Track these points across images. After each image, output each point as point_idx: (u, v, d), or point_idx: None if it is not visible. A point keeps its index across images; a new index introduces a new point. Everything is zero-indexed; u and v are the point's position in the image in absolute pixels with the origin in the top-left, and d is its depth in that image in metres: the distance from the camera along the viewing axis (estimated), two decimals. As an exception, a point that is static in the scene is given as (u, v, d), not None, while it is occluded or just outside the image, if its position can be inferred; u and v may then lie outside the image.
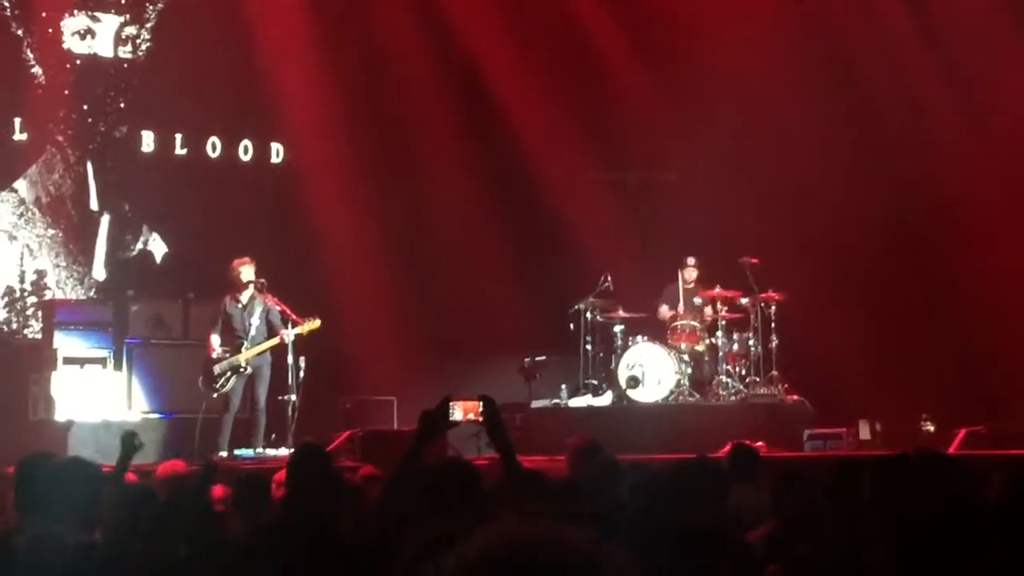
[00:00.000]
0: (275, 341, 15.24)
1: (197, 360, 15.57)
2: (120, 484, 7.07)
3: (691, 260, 17.45)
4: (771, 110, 18.44)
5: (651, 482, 6.70)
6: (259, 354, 15.28)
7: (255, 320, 15.28)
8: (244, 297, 15.32)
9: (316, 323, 15.24)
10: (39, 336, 17.47)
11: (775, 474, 8.21)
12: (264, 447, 15.34)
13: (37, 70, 18.40)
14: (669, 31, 19.11)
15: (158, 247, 19.08)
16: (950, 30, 18.18)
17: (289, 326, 15.22)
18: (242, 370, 15.20)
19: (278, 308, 15.31)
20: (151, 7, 19.08)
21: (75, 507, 6.52)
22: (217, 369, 15.19)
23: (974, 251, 17.83)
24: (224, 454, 15.00)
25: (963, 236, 17.97)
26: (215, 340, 15.26)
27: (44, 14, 18.42)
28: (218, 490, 8.48)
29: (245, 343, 15.24)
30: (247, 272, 15.31)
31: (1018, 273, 17.48)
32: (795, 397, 16.52)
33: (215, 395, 15.23)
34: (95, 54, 18.81)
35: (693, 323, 17.06)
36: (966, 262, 17.88)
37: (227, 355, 15.18)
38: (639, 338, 16.98)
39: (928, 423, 16.93)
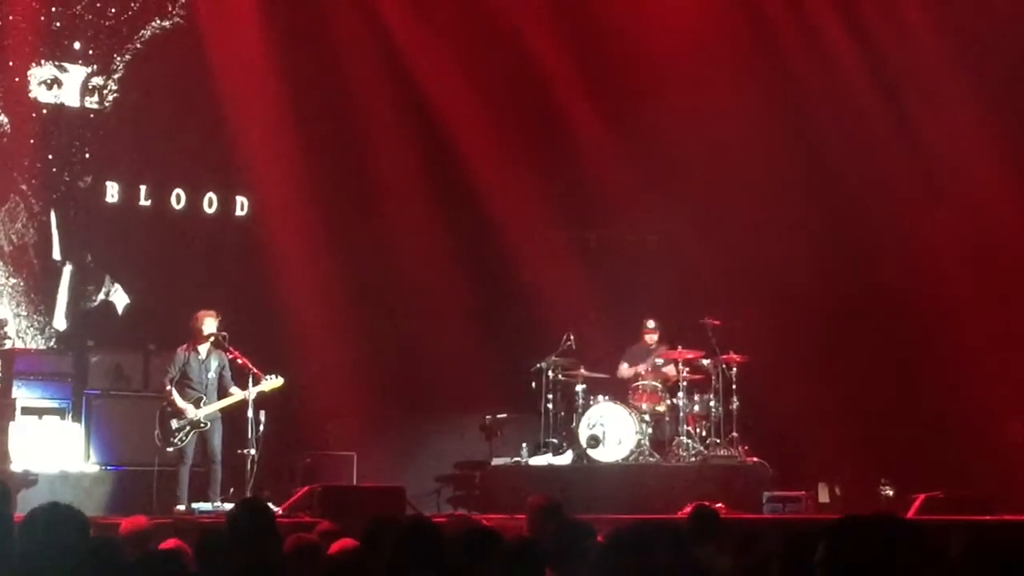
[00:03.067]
0: (238, 397, 15.16)
1: (154, 410, 15.45)
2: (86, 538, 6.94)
3: (651, 323, 17.52)
4: (736, 174, 18.59)
5: (611, 542, 6.67)
6: (216, 410, 15.22)
7: (212, 375, 15.27)
8: (203, 350, 15.29)
9: (279, 382, 15.18)
10: (-2, 386, 17.34)
11: (735, 537, 8.21)
12: (222, 501, 15.23)
13: (2, 119, 18.35)
14: (634, 93, 19.23)
15: (120, 298, 18.99)
16: (912, 98, 18.38)
17: (251, 381, 15.16)
18: (202, 425, 15.12)
19: (238, 361, 15.26)
20: (118, 58, 19.08)
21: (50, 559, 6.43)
22: (175, 424, 15.11)
23: (935, 318, 17.95)
24: (183, 507, 14.91)
25: (925, 303, 18.10)
26: (175, 394, 15.18)
27: (11, 63, 18.39)
28: (170, 542, 8.41)
29: (204, 397, 15.19)
30: (210, 325, 15.28)
31: (977, 340, 17.61)
32: (755, 459, 16.54)
33: (170, 449, 15.15)
34: (61, 104, 18.78)
35: (654, 383, 17.09)
36: (927, 329, 18.00)
37: (190, 410, 15.09)
38: (600, 397, 16.99)
39: (887, 487, 17.01)
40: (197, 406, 15.14)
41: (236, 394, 15.19)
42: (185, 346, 15.37)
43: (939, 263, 18.07)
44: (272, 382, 15.13)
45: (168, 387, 15.25)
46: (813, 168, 18.94)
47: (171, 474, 15.19)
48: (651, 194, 19.10)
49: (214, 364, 15.28)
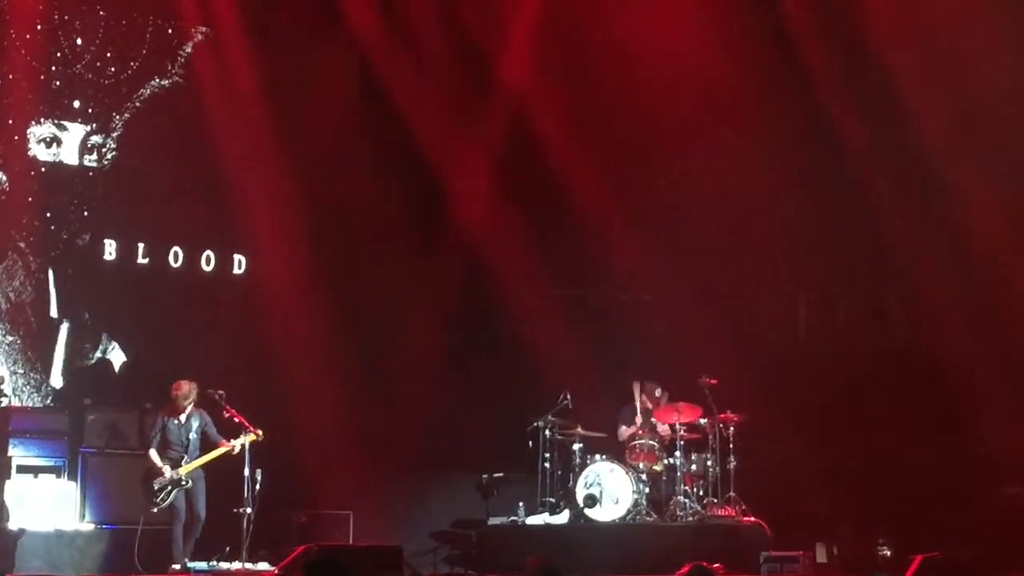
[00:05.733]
0: (220, 451, 15.29)
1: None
2: None
3: (648, 384, 17.52)
4: (732, 236, 18.62)
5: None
6: (199, 466, 15.32)
7: (193, 435, 15.45)
8: (183, 416, 15.48)
9: (257, 434, 15.25)
10: (-7, 443, 17.31)
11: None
12: (218, 560, 15.25)
13: (1, 176, 18.40)
14: (631, 152, 19.31)
15: (117, 356, 18.99)
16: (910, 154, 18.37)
17: (242, 435, 15.22)
18: (183, 484, 15.21)
19: (235, 420, 15.30)
20: (118, 117, 19.16)
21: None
22: (157, 484, 15.23)
23: (936, 378, 17.93)
24: (178, 566, 14.89)
25: (926, 363, 18.08)
26: (154, 455, 15.33)
27: (11, 121, 18.46)
28: None
29: (185, 457, 15.30)
30: (189, 397, 15.44)
31: (978, 400, 17.59)
32: (752, 519, 16.50)
33: (154, 509, 15.21)
34: (60, 162, 18.83)
35: (651, 442, 17.06)
36: (927, 389, 17.97)
37: (167, 470, 15.16)
38: (597, 456, 16.97)
39: (885, 547, 16.95)
40: (177, 465, 15.22)
41: (220, 448, 15.30)
42: (165, 411, 15.52)
43: (941, 322, 18.05)
44: (250, 435, 15.19)
45: (150, 450, 15.39)
46: (811, 226, 18.96)
47: (160, 533, 15.20)
48: (648, 253, 19.14)
49: (195, 425, 15.49)
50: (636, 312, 19.60)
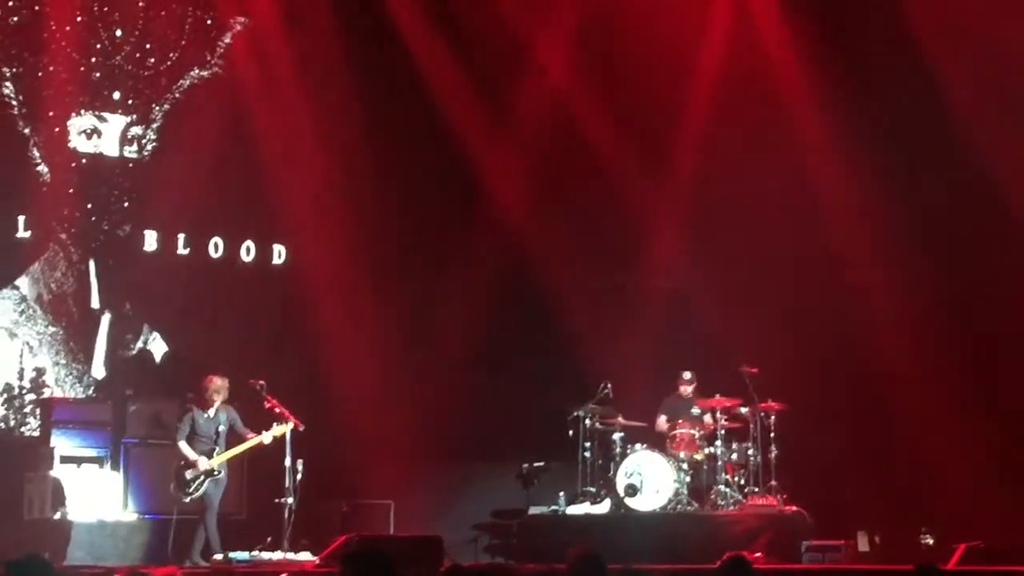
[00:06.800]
0: (251, 443, 15.38)
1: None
2: None
3: (687, 375, 17.45)
4: (773, 223, 18.51)
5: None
6: (230, 459, 15.48)
7: (222, 428, 15.52)
8: (212, 409, 15.55)
9: (297, 425, 15.28)
10: (36, 434, 17.44)
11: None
12: (259, 550, 15.33)
13: (43, 168, 18.51)
14: (675, 140, 19.26)
15: (158, 346, 19.08)
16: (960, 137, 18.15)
17: (275, 425, 15.30)
18: (216, 474, 15.28)
19: (276, 410, 15.36)
20: (157, 108, 19.24)
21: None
22: (189, 474, 15.30)
23: (981, 365, 17.78)
24: (219, 556, 14.96)
25: (971, 349, 17.93)
26: (185, 446, 15.40)
27: (51, 113, 18.56)
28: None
29: (216, 448, 15.39)
30: (220, 392, 15.52)
31: (1019, 386, 17.46)
32: (794, 508, 16.42)
33: (187, 500, 15.30)
34: (100, 153, 18.93)
35: (692, 432, 16.98)
36: (972, 376, 17.80)
37: (202, 460, 15.27)
38: (638, 446, 16.90)
39: (927, 536, 16.85)
40: (210, 456, 15.32)
41: (250, 439, 15.35)
42: (194, 404, 15.64)
43: (987, 308, 17.89)
44: (285, 425, 15.24)
45: (180, 442, 15.45)
46: (853, 212, 18.83)
47: (191, 524, 15.30)
48: (689, 240, 19.08)
49: (223, 418, 15.55)
50: (676, 301, 19.52)
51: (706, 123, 19.03)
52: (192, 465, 15.30)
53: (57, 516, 15.76)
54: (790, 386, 17.08)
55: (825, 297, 18.33)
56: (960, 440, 17.63)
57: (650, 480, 16.61)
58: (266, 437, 15.31)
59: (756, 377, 16.93)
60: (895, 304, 18.43)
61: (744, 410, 16.92)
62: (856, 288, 18.49)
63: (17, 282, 18.54)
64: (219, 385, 15.53)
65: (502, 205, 19.72)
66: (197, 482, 15.27)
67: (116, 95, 19.08)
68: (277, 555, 15.10)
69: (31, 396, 18.03)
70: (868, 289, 18.49)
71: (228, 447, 15.48)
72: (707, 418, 17.05)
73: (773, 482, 16.70)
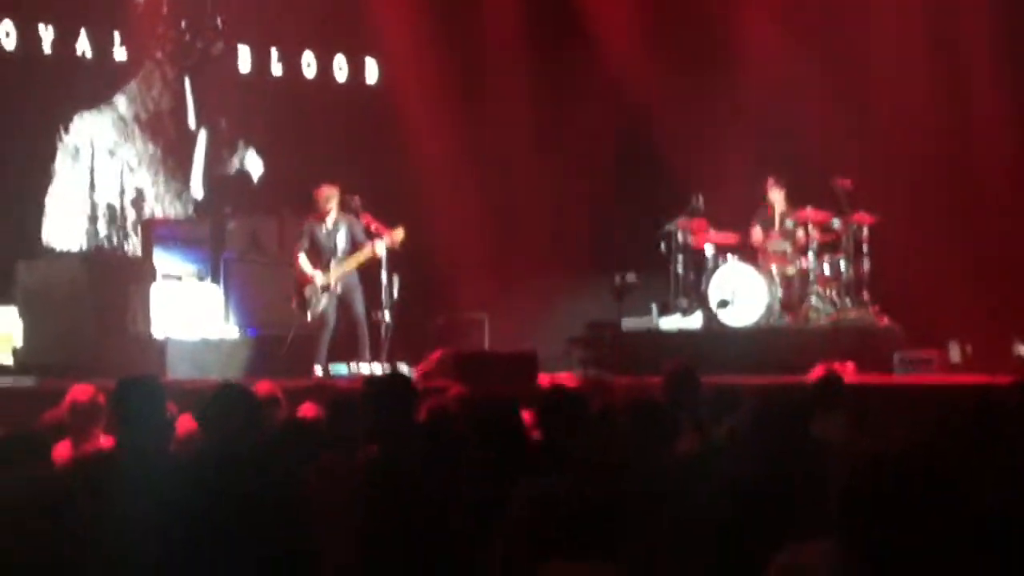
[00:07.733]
0: (364, 255, 15.30)
1: (290, 276, 15.69)
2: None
3: (774, 180, 17.20)
4: (869, 29, 18.24)
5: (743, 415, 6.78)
6: (347, 272, 15.38)
7: (340, 241, 15.33)
8: (329, 221, 15.36)
9: (400, 233, 15.25)
10: (138, 252, 17.76)
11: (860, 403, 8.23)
12: (369, 363, 15.42)
13: (136, -13, 18.57)
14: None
15: (255, 165, 19.27)
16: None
17: (374, 240, 15.27)
18: (334, 290, 15.35)
19: (371, 227, 15.39)
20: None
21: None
22: (308, 291, 15.33)
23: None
24: (320, 371, 15.23)
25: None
26: (303, 260, 15.36)
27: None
28: (307, 406, 8.47)
29: (333, 261, 15.37)
30: (331, 199, 15.32)
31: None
32: (886, 320, 16.44)
33: (309, 317, 15.37)
34: (193, -29, 18.95)
35: (784, 244, 16.94)
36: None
37: (318, 276, 15.30)
38: (730, 258, 16.89)
39: (1021, 345, 16.80)
40: (327, 271, 15.34)
41: (362, 251, 15.31)
42: (310, 217, 15.50)
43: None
44: (394, 234, 15.18)
45: (298, 255, 15.41)
46: (951, 23, 18.50)
47: (308, 338, 15.45)
48: (783, 38, 18.74)
49: (343, 229, 15.35)
50: (770, 110, 19.23)
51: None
52: (309, 281, 15.31)
53: (160, 332, 16.10)
54: (885, 196, 16.97)
55: (927, 103, 18.07)
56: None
57: (742, 293, 16.62)
58: (379, 247, 15.22)
59: (848, 189, 16.79)
60: (998, 111, 18.17)
61: (836, 223, 16.80)
62: (960, 94, 18.23)
63: (114, 100, 18.70)
64: (329, 193, 15.30)
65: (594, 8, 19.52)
66: (316, 298, 15.34)
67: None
68: (376, 366, 15.28)
69: (132, 215, 18.33)
70: (972, 96, 18.23)
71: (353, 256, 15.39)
72: (799, 232, 16.95)
73: (865, 295, 16.70)
